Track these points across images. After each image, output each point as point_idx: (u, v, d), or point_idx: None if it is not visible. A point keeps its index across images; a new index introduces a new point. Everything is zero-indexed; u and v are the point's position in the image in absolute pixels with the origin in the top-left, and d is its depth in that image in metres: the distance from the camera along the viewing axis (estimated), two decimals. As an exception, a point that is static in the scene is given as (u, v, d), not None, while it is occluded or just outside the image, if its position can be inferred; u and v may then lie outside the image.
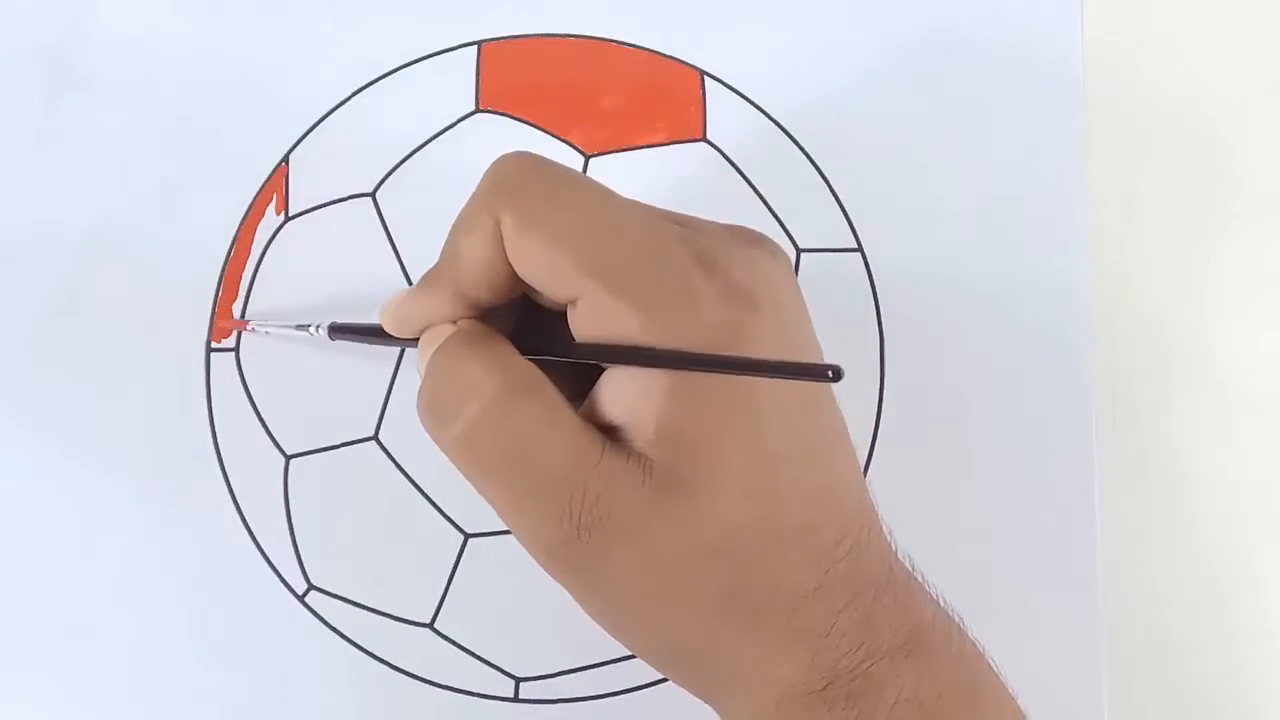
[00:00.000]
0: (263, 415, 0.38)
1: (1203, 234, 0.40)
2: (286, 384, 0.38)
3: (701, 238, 0.29)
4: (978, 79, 0.41)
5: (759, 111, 0.40)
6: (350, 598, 0.37)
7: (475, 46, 0.41)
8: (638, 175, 0.40)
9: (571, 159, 0.40)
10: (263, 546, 0.37)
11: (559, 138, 0.40)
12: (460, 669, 0.37)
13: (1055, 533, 0.38)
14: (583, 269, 0.27)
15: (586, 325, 0.28)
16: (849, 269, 0.39)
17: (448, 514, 0.38)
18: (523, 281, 0.29)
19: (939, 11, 0.41)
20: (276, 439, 0.38)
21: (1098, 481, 0.38)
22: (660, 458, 0.27)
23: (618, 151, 0.40)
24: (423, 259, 0.38)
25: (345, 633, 0.37)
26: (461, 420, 0.28)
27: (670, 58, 0.41)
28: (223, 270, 0.39)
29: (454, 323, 0.30)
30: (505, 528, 0.37)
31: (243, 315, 0.39)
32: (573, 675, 0.37)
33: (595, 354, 0.28)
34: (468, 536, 0.38)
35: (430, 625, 0.37)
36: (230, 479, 0.38)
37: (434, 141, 0.40)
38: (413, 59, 0.41)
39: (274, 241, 0.39)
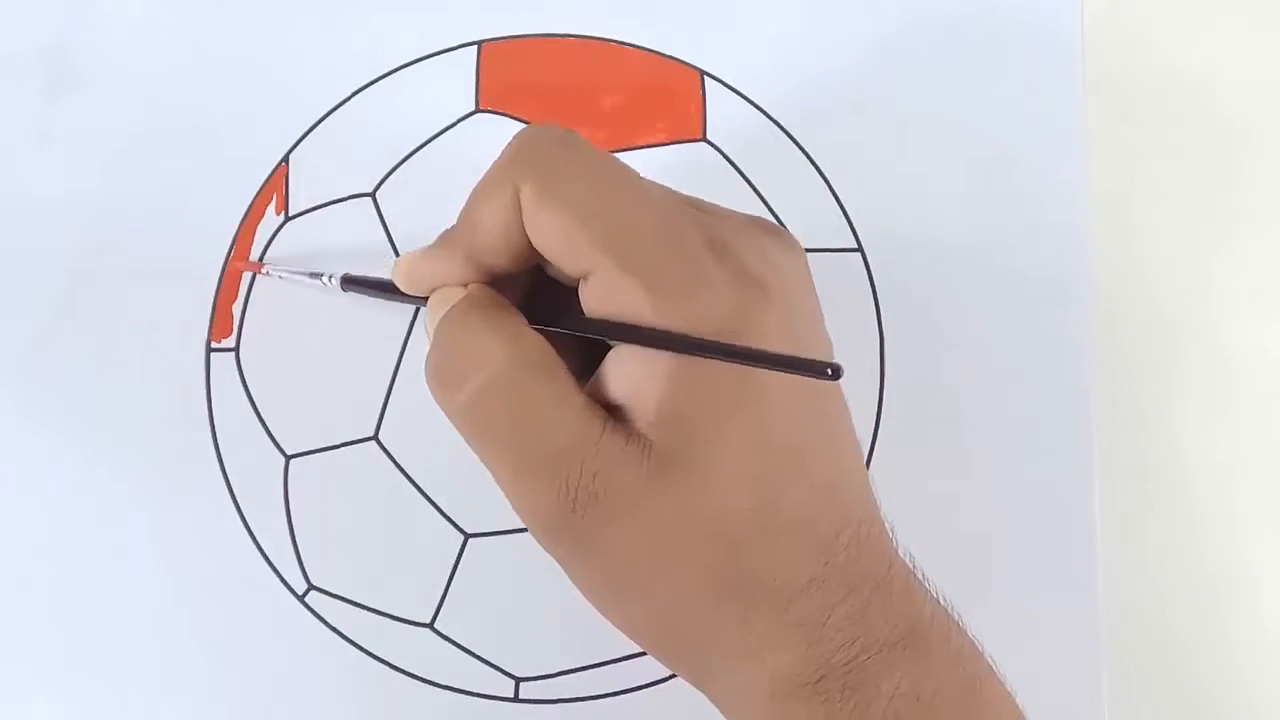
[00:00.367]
0: (263, 415, 0.38)
1: (1206, 231, 0.40)
2: (286, 384, 0.38)
3: (717, 223, 0.29)
4: (978, 79, 0.41)
5: (759, 111, 0.40)
6: (350, 598, 0.37)
7: (475, 46, 0.41)
8: (638, 175, 0.40)
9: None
10: (263, 546, 0.37)
11: (559, 138, 0.40)
12: (460, 669, 0.37)
13: (1055, 532, 0.38)
14: (596, 244, 0.27)
15: (597, 300, 0.28)
16: (849, 269, 0.39)
17: (448, 514, 0.38)
18: (537, 252, 0.29)
19: (939, 11, 0.41)
20: (276, 439, 0.38)
21: (1098, 481, 0.38)
22: (659, 439, 0.28)
23: (618, 151, 0.40)
24: (423, 259, 0.39)
25: (345, 633, 0.37)
26: (467, 389, 0.28)
27: (670, 58, 0.41)
28: (223, 270, 0.39)
29: (465, 286, 0.30)
30: (505, 528, 0.37)
31: (243, 315, 0.39)
32: (573, 675, 0.37)
33: (603, 330, 0.28)
34: (468, 536, 0.38)
35: (430, 625, 0.37)
36: (230, 479, 0.38)
37: (434, 141, 0.40)
38: (413, 59, 0.41)
39: (274, 241, 0.39)
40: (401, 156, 0.40)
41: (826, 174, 0.40)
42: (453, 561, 0.38)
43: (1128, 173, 0.41)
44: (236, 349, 0.39)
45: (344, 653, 0.37)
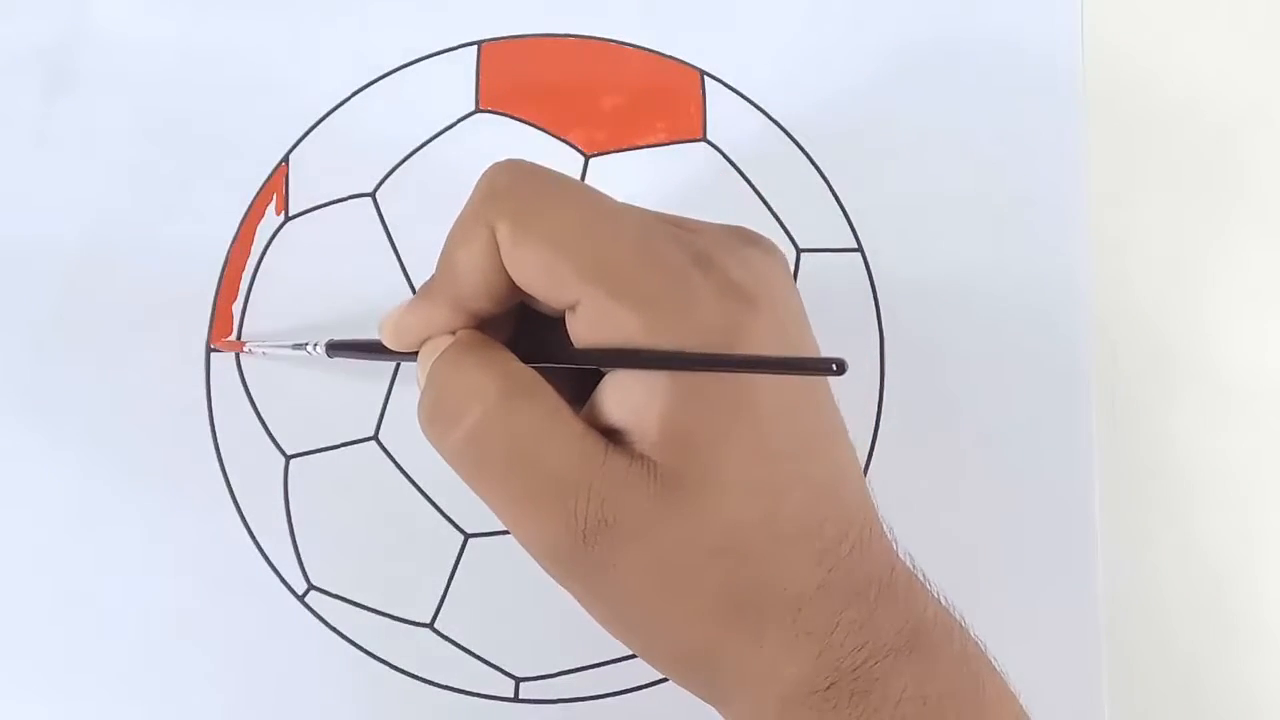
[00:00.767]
0: (263, 415, 0.38)
1: (1204, 236, 0.40)
2: (287, 384, 0.38)
3: (697, 238, 0.29)
4: (978, 79, 0.41)
5: (759, 111, 0.40)
6: (350, 598, 0.37)
7: (475, 46, 0.41)
8: (638, 175, 0.40)
9: (571, 159, 0.40)
10: (263, 546, 0.37)
11: (559, 138, 0.40)
12: (460, 669, 0.37)
13: (1055, 533, 0.38)
14: (581, 273, 0.27)
15: (586, 329, 0.28)
16: (849, 269, 0.39)
17: (448, 514, 0.38)
18: (520, 289, 0.29)
19: (939, 11, 0.41)
20: (276, 439, 0.38)
21: (1098, 481, 0.38)
22: (664, 459, 0.27)
23: (618, 151, 0.40)
24: (423, 259, 0.39)
25: (345, 633, 0.37)
26: (463, 426, 0.28)
27: (670, 58, 0.41)
28: (223, 270, 0.39)
29: (453, 334, 0.30)
30: (505, 528, 0.37)
31: (243, 314, 0.39)
32: (573, 675, 0.37)
33: (597, 359, 0.28)
34: (468, 536, 0.38)
35: (430, 625, 0.37)
36: (230, 479, 0.38)
37: (434, 141, 0.40)
38: (413, 59, 0.41)
39: (274, 241, 0.39)
40: (401, 156, 0.40)
41: (826, 174, 0.40)
42: (453, 561, 0.38)
43: (1126, 175, 0.41)
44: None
45: (344, 653, 0.37)
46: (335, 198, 0.40)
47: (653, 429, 0.27)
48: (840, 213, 0.40)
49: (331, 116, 0.40)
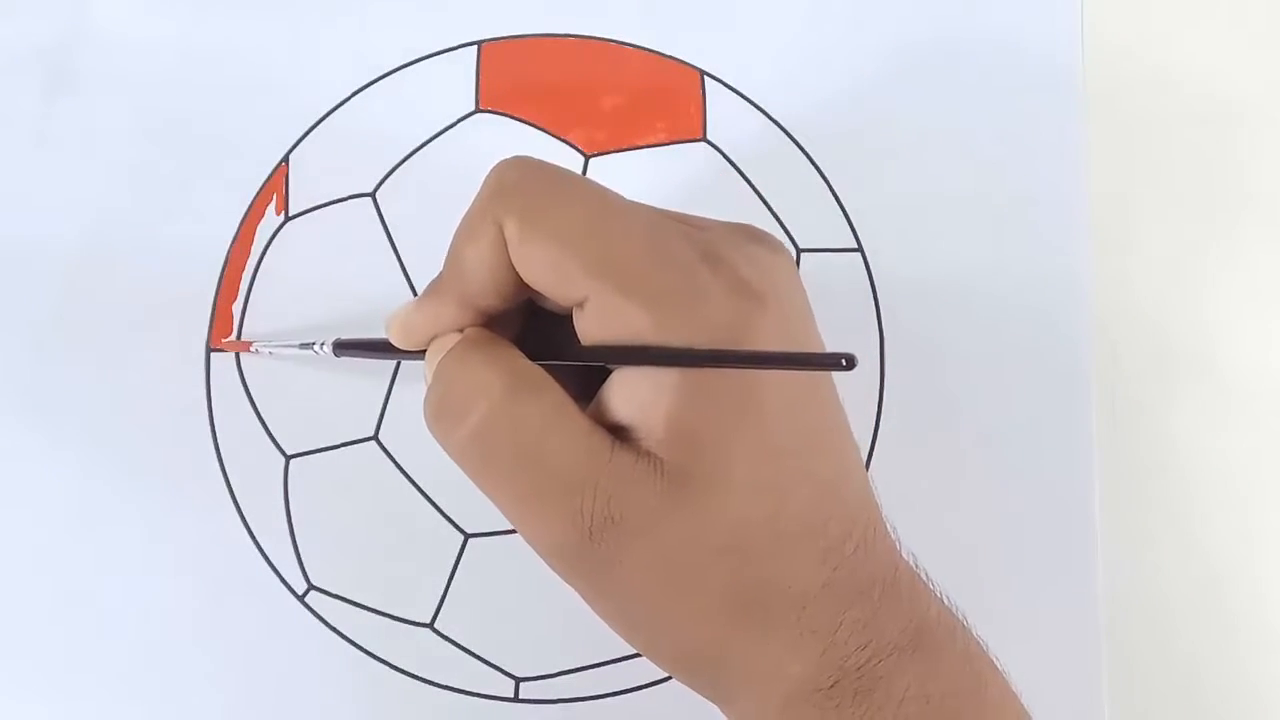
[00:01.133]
0: (263, 415, 0.38)
1: (1205, 234, 0.40)
2: (287, 383, 0.38)
3: (705, 235, 0.29)
4: (978, 79, 0.41)
5: (759, 111, 0.40)
6: (350, 598, 0.37)
7: (475, 46, 0.41)
8: (638, 175, 0.40)
9: (571, 159, 0.40)
10: (263, 546, 0.37)
11: (559, 138, 0.40)
12: (460, 669, 0.37)
13: (1055, 533, 0.38)
14: (589, 270, 0.27)
15: (594, 326, 0.28)
16: (849, 269, 0.39)
17: (448, 514, 0.38)
18: (527, 286, 0.29)
19: (939, 11, 0.41)
20: (276, 439, 0.38)
21: (1098, 481, 0.38)
22: (670, 456, 0.27)
23: (618, 151, 0.40)
24: (423, 259, 0.39)
25: (345, 633, 0.37)
26: (469, 422, 0.28)
27: (670, 58, 0.41)
28: (223, 270, 0.39)
29: (460, 331, 0.30)
30: (505, 528, 0.37)
31: (243, 314, 0.39)
32: (573, 675, 0.37)
33: (604, 355, 0.28)
34: (468, 536, 0.38)
35: (430, 625, 0.37)
36: (230, 479, 0.38)
37: (434, 141, 0.40)
38: (413, 59, 0.41)
39: (274, 241, 0.39)
40: (401, 156, 0.40)
41: (826, 174, 0.40)
42: (453, 561, 0.38)
43: (1127, 174, 0.41)
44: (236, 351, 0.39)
45: (344, 653, 0.37)
46: (335, 198, 0.40)
47: (659, 426, 0.27)
48: (840, 213, 0.40)
49: (331, 116, 0.40)
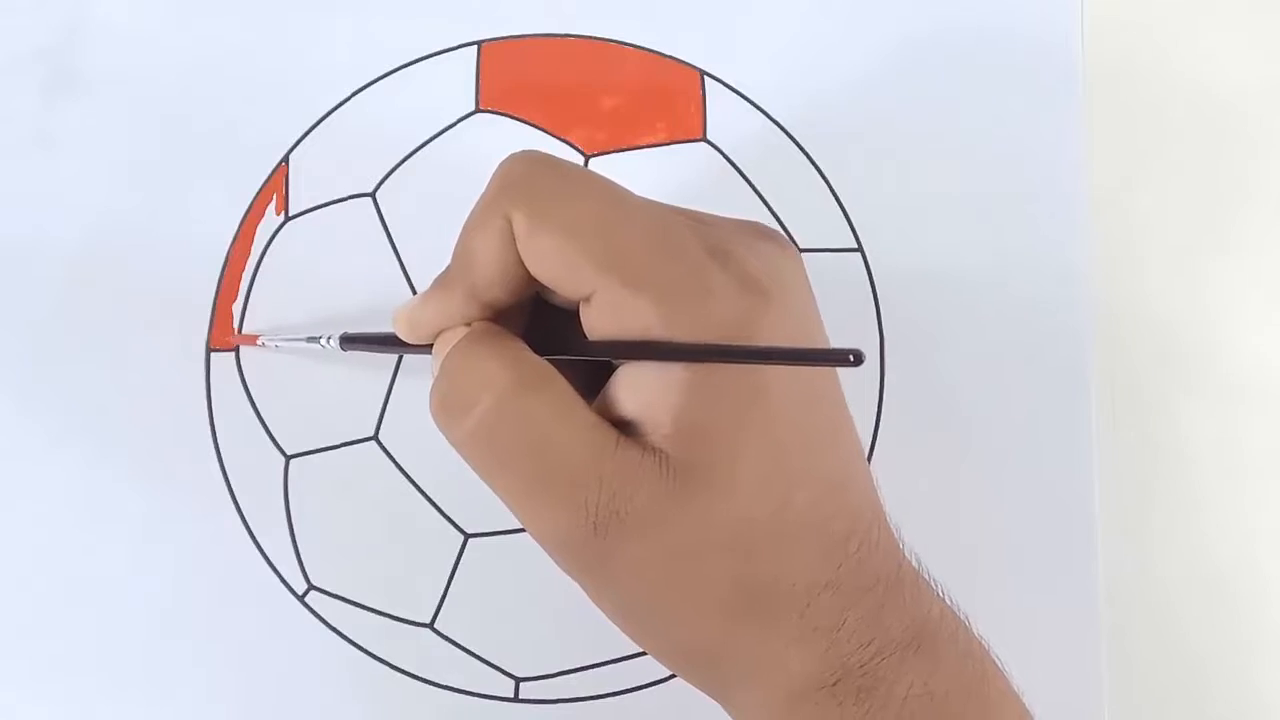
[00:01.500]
0: (263, 415, 0.38)
1: (1207, 231, 0.40)
2: (286, 384, 0.38)
3: (713, 230, 0.29)
4: (978, 79, 0.41)
5: (759, 111, 0.40)
6: (350, 598, 0.37)
7: (475, 46, 0.41)
8: (638, 175, 0.39)
9: (571, 159, 0.40)
10: (263, 546, 0.37)
11: (559, 138, 0.40)
12: (460, 669, 0.37)
13: (1055, 532, 0.38)
14: (597, 264, 0.27)
15: (601, 320, 0.28)
16: (849, 269, 0.39)
17: (448, 514, 0.38)
18: (535, 280, 0.29)
19: (938, 10, 0.41)
20: (276, 439, 0.38)
21: (1098, 480, 0.38)
22: (676, 451, 0.27)
23: (618, 151, 0.40)
24: (423, 259, 0.39)
25: (345, 633, 0.37)
26: (474, 415, 0.28)
27: (670, 58, 0.41)
28: (223, 270, 0.39)
29: (467, 325, 0.30)
30: (505, 528, 0.37)
31: (243, 314, 0.39)
32: (573, 675, 0.37)
33: (611, 350, 0.28)
34: (468, 536, 0.38)
35: (430, 625, 0.37)
36: (230, 479, 0.38)
37: (434, 141, 0.40)
38: (413, 59, 0.41)
39: (274, 241, 0.39)
40: (401, 156, 0.40)
41: (826, 174, 0.40)
42: (453, 561, 0.38)
43: (1127, 172, 0.41)
44: (236, 349, 0.39)
45: (344, 653, 0.37)
46: (335, 198, 0.40)
47: (665, 421, 0.27)
48: (840, 213, 0.40)
49: (331, 116, 0.40)
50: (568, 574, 0.29)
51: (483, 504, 0.37)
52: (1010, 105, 0.41)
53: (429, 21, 0.41)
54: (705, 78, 0.41)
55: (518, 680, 0.37)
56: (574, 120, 0.40)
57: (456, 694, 0.37)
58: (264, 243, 0.39)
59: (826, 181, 0.40)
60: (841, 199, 0.40)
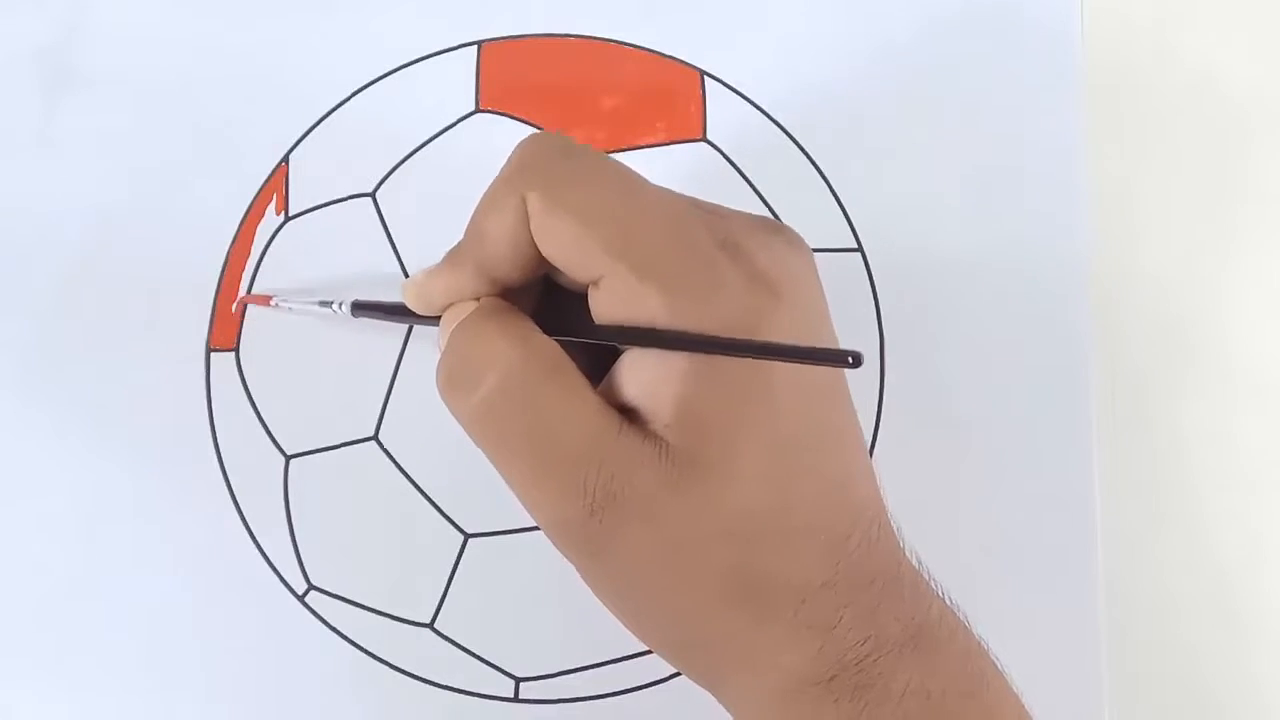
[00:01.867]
0: (263, 415, 0.38)
1: (1208, 228, 0.40)
2: (286, 384, 0.38)
3: (726, 223, 0.29)
4: (977, 78, 0.41)
5: (759, 111, 0.40)
6: (350, 598, 0.37)
7: (475, 46, 0.41)
8: (638, 175, 0.40)
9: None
10: (263, 546, 0.37)
11: (559, 138, 0.40)
12: (460, 669, 0.37)
13: (1055, 532, 0.38)
14: (608, 249, 0.27)
15: (609, 306, 0.28)
16: (849, 269, 0.39)
17: (448, 514, 0.38)
18: (546, 261, 0.29)
19: (938, 11, 0.41)
20: (276, 439, 0.38)
21: (1097, 480, 0.38)
22: (677, 440, 0.28)
23: (618, 151, 0.40)
24: (423, 258, 0.39)
25: (345, 633, 0.37)
26: (480, 392, 0.28)
27: (670, 58, 0.41)
28: (223, 270, 0.39)
29: (477, 300, 0.30)
30: (505, 528, 0.37)
31: (242, 316, 0.39)
32: (573, 675, 0.37)
33: (617, 335, 0.28)
34: (468, 536, 0.38)
35: (430, 625, 0.37)
36: (230, 479, 0.38)
37: (434, 141, 0.40)
38: (413, 59, 0.41)
39: (274, 241, 0.39)
40: (401, 156, 0.40)
41: (826, 174, 0.40)
42: (453, 561, 0.38)
43: (1128, 170, 0.40)
44: (236, 349, 0.39)
45: (344, 653, 0.37)
46: (335, 198, 0.40)
47: (667, 410, 0.28)
48: (840, 213, 0.40)
49: (331, 116, 0.40)
50: (563, 554, 0.29)
51: (483, 504, 0.37)
52: (1010, 106, 0.40)
53: (429, 21, 0.41)
54: (705, 78, 0.41)
55: (518, 680, 0.37)
56: (574, 120, 0.40)
57: (456, 694, 0.37)
58: (264, 243, 0.39)
59: (826, 181, 0.40)
60: (841, 199, 0.40)
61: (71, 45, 0.41)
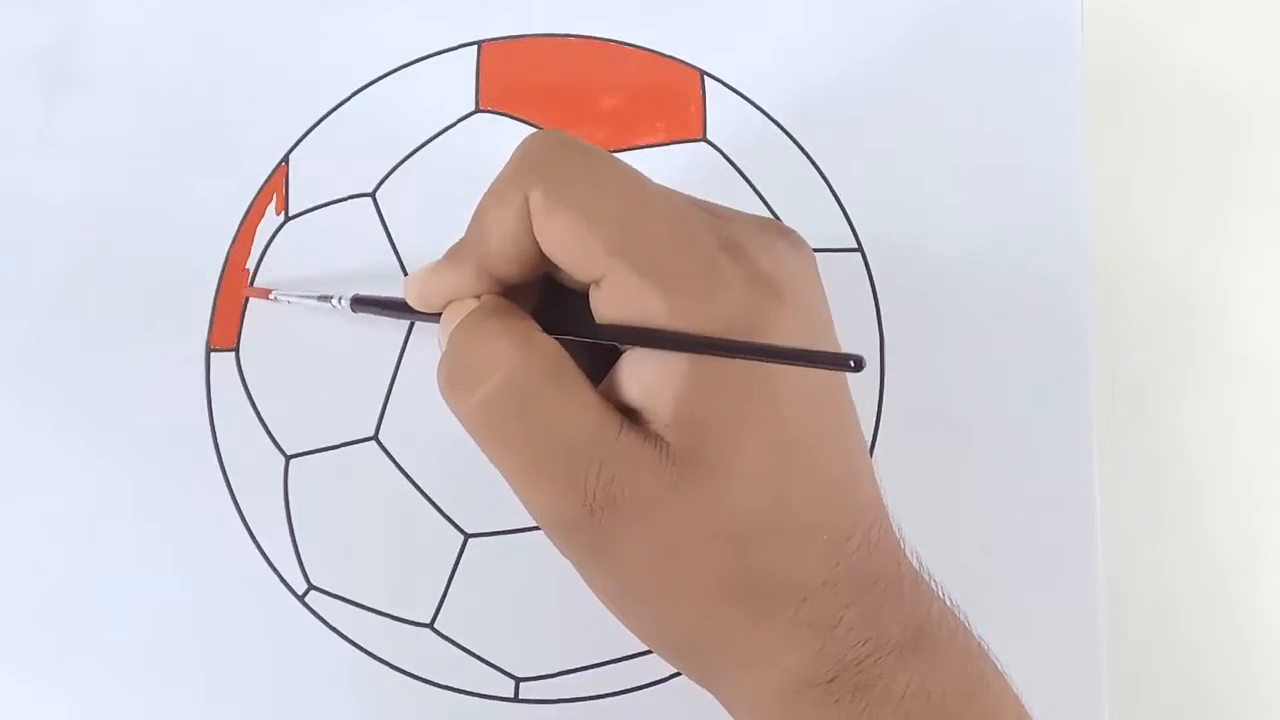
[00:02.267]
0: (263, 415, 0.38)
1: (1209, 225, 0.40)
2: (286, 384, 0.38)
3: (728, 225, 0.29)
4: (977, 78, 0.41)
5: (759, 111, 0.40)
6: (350, 598, 0.37)
7: (475, 46, 0.41)
8: (638, 175, 0.40)
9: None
10: (263, 546, 0.37)
11: (559, 138, 0.40)
12: (460, 669, 0.37)
13: (1055, 532, 0.38)
14: (610, 248, 0.27)
15: (610, 305, 0.28)
16: (849, 269, 0.39)
17: (448, 514, 0.38)
18: (547, 259, 0.29)
19: (938, 10, 0.41)
20: (276, 439, 0.38)
21: (1098, 480, 0.38)
22: (677, 440, 0.28)
23: (617, 152, 0.40)
24: (423, 259, 0.38)
25: (345, 633, 0.37)
26: (481, 390, 0.28)
27: (670, 58, 0.41)
28: (223, 270, 0.39)
29: (477, 298, 0.30)
30: (505, 528, 0.37)
31: (242, 316, 0.39)
32: (573, 675, 0.37)
33: (618, 335, 0.28)
34: (468, 536, 0.38)
35: (430, 625, 0.37)
36: (230, 479, 0.38)
37: (434, 141, 0.40)
38: (413, 59, 0.41)
39: (274, 241, 0.39)
40: (401, 156, 0.40)
41: (826, 174, 0.40)
42: (453, 561, 0.38)
43: (1129, 168, 0.40)
44: (236, 349, 0.39)
45: (344, 653, 0.37)
46: (335, 198, 0.40)
47: (667, 410, 0.28)
48: (840, 213, 0.40)
49: (331, 116, 0.40)
50: (562, 554, 0.29)
51: (483, 504, 0.37)
52: (1010, 105, 0.40)
53: (429, 21, 0.41)
54: (705, 78, 0.41)
55: (518, 680, 0.37)
56: (574, 120, 0.40)
57: (456, 694, 0.37)
58: (264, 243, 0.39)
59: (826, 181, 0.40)
60: (841, 199, 0.40)
61: (71, 45, 0.41)
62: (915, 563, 0.30)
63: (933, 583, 0.30)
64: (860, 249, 0.40)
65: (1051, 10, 0.41)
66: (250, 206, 0.40)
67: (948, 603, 0.30)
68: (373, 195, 0.40)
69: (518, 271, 0.30)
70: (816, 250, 0.39)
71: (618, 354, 0.29)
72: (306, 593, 0.37)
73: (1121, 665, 0.37)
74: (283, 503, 0.38)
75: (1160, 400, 0.39)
